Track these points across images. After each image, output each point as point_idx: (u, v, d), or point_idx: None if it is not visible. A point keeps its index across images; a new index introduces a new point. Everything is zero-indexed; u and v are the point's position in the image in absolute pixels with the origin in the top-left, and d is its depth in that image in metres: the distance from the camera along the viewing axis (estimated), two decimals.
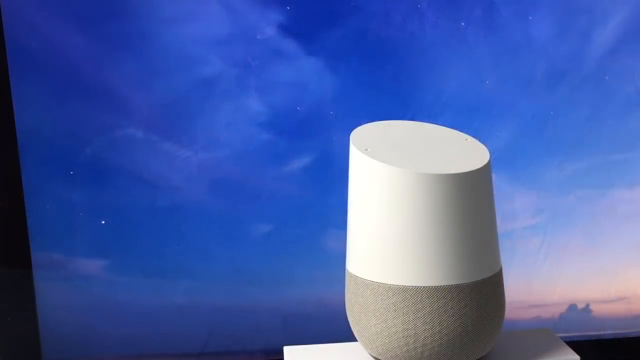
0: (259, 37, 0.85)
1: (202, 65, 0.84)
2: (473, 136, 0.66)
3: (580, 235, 0.96)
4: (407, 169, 0.58)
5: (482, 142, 0.65)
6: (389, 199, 0.59)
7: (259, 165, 0.88)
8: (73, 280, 0.88)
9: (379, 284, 0.60)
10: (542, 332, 0.72)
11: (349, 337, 0.67)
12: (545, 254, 0.96)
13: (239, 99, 0.86)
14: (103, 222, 0.87)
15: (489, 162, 0.61)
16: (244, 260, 0.90)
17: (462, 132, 0.67)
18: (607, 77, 0.92)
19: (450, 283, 0.59)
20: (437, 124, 0.67)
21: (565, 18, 0.90)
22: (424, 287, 0.59)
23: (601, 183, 0.95)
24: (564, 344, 0.69)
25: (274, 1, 0.84)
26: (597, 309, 0.99)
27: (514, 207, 0.94)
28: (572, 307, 0.99)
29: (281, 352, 0.68)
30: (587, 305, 0.99)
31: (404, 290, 0.59)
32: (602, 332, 1.00)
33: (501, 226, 0.65)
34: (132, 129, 0.85)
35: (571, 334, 0.99)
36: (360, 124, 0.65)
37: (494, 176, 0.63)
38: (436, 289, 0.59)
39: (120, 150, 0.85)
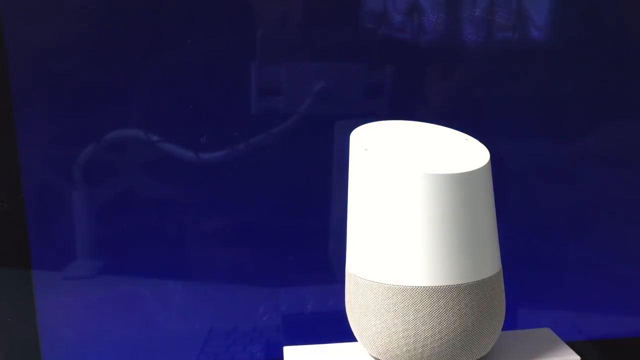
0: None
1: (202, 64, 0.84)
2: (473, 136, 0.66)
3: (580, 236, 0.96)
4: (407, 169, 0.58)
5: (482, 143, 0.65)
6: (389, 199, 0.59)
7: (259, 165, 0.88)
8: (73, 281, 0.88)
9: (379, 284, 0.60)
10: (542, 332, 0.72)
11: (349, 337, 0.67)
12: (546, 254, 0.96)
13: (238, 99, 0.86)
14: (103, 222, 0.87)
15: (489, 162, 0.61)
16: (244, 260, 0.90)
17: (462, 132, 0.67)
18: (607, 77, 0.92)
19: (451, 283, 0.59)
20: (437, 124, 0.67)
21: (566, 18, 0.90)
22: (424, 287, 0.59)
23: (601, 183, 0.95)
24: (564, 344, 0.69)
25: None
26: (597, 309, 0.99)
27: (513, 206, 0.94)
28: (573, 307, 0.99)
29: (281, 352, 0.68)
30: (588, 305, 0.99)
31: (403, 290, 0.59)
32: (602, 332, 1.00)
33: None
34: (133, 129, 0.85)
35: (571, 334, 0.99)
36: (360, 124, 0.65)
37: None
38: (436, 289, 0.59)
39: (121, 150, 0.85)
